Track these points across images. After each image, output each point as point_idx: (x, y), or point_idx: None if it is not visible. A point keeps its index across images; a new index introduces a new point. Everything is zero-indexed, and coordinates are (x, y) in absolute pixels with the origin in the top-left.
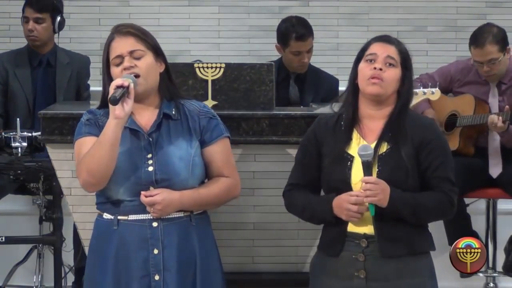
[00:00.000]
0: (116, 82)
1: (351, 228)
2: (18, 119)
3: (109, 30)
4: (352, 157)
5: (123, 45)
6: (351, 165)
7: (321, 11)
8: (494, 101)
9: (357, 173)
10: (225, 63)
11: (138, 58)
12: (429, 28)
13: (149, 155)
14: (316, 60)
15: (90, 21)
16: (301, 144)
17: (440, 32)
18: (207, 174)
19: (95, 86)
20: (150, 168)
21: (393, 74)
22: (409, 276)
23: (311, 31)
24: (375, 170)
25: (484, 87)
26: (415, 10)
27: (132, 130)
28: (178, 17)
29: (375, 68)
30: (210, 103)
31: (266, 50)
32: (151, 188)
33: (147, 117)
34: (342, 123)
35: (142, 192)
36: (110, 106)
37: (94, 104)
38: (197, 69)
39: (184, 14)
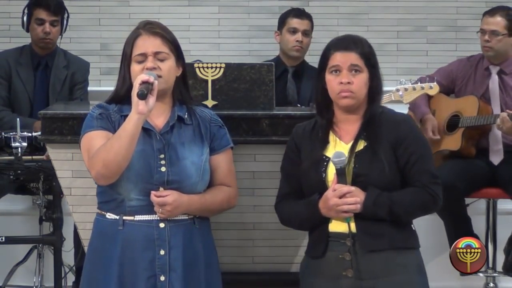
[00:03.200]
0: (142, 77)
1: (333, 227)
2: (18, 119)
3: (109, 30)
4: (328, 158)
5: (149, 44)
6: (326, 166)
7: (321, 11)
8: (494, 88)
9: (332, 173)
10: (225, 63)
11: (161, 60)
12: (429, 28)
13: (162, 156)
14: (316, 60)
15: (90, 21)
16: (284, 154)
17: (440, 32)
18: (210, 181)
19: (95, 86)
20: (163, 169)
21: (361, 81)
22: (396, 273)
23: (310, 17)
24: (351, 168)
25: (485, 77)
26: (415, 10)
27: (144, 129)
28: (178, 17)
29: (342, 83)
30: (210, 103)
31: (266, 50)
32: (161, 188)
33: (159, 118)
34: (319, 128)
35: (153, 192)
36: (134, 100)
37: (94, 104)
38: (197, 69)
39: (184, 14)
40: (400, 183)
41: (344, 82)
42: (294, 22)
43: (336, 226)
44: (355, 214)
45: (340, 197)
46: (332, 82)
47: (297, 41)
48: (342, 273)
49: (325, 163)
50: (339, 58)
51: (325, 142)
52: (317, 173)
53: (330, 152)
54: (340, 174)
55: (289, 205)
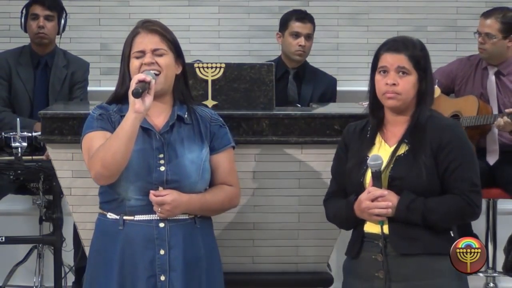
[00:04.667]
0: (138, 76)
1: (368, 228)
2: (18, 119)
3: (109, 30)
4: None
5: (147, 42)
6: (367, 168)
7: (321, 11)
8: (492, 89)
9: (370, 175)
10: (225, 63)
11: (159, 56)
12: (429, 28)
13: (161, 155)
14: (316, 60)
15: (90, 21)
16: (335, 153)
17: (440, 32)
18: (211, 181)
19: (95, 86)
20: (162, 168)
21: (407, 83)
22: (430, 277)
23: (312, 20)
24: (388, 171)
25: (484, 77)
26: (415, 10)
27: (144, 129)
28: (178, 17)
29: (387, 84)
30: (210, 103)
31: (266, 50)
32: (160, 188)
33: (159, 117)
34: (369, 129)
35: (152, 192)
36: (131, 99)
37: (94, 104)
38: (197, 69)
39: (184, 14)
40: (440, 189)
41: (390, 83)
42: (297, 26)
43: (371, 227)
44: (390, 217)
45: (373, 200)
46: (380, 82)
47: (299, 45)
48: (375, 274)
49: (366, 165)
50: (387, 59)
51: (371, 143)
52: (358, 174)
53: (374, 154)
54: (376, 177)
55: (334, 203)
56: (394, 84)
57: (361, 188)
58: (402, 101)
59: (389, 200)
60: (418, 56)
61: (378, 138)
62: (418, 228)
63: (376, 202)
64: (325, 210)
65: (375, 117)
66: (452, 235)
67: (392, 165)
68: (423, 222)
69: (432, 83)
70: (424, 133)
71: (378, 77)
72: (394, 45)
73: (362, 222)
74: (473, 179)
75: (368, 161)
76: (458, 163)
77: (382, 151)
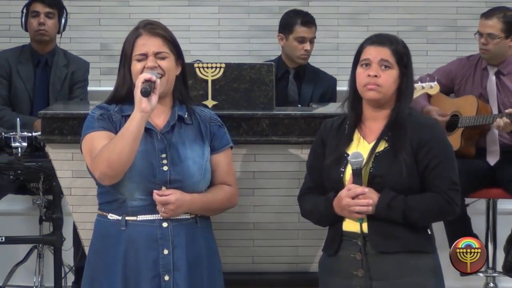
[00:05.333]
0: (144, 76)
1: (347, 227)
2: (18, 118)
3: (109, 30)
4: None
5: (150, 45)
6: (346, 164)
7: (321, 11)
8: (492, 89)
9: (350, 172)
10: (225, 63)
11: (162, 59)
12: (429, 28)
13: (163, 155)
14: (316, 60)
15: (90, 21)
16: (311, 148)
17: (440, 32)
18: (210, 181)
19: (95, 86)
20: (165, 168)
21: (389, 76)
22: (409, 274)
23: (315, 22)
24: (368, 168)
25: (484, 77)
26: (415, 10)
27: (145, 129)
28: (178, 17)
29: (369, 75)
30: (210, 103)
31: (266, 50)
32: (163, 188)
33: (159, 118)
34: (346, 125)
35: (155, 191)
36: (137, 99)
37: (94, 104)
38: (197, 69)
39: (184, 14)
40: (419, 187)
41: (372, 74)
42: (303, 31)
43: (350, 226)
44: (369, 215)
45: (353, 197)
46: (361, 75)
47: (305, 49)
48: (354, 273)
49: (345, 161)
50: (371, 52)
51: (350, 140)
52: (337, 171)
53: (352, 150)
54: (356, 175)
55: (310, 199)
56: (376, 76)
57: (340, 185)
58: (383, 94)
59: (369, 198)
60: (401, 52)
61: (356, 135)
62: (396, 226)
63: (357, 200)
64: (300, 206)
65: (354, 112)
66: (430, 232)
67: (372, 162)
68: (404, 220)
69: (412, 81)
70: (404, 130)
71: (359, 69)
72: (378, 39)
73: (341, 220)
74: (452, 178)
75: (349, 158)
76: (438, 162)
77: (360, 148)
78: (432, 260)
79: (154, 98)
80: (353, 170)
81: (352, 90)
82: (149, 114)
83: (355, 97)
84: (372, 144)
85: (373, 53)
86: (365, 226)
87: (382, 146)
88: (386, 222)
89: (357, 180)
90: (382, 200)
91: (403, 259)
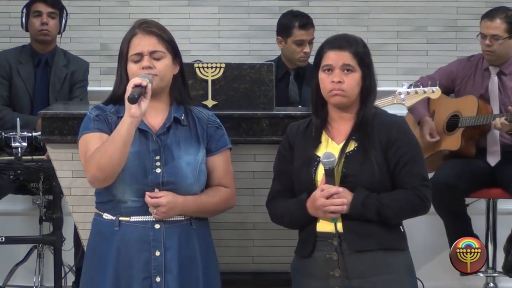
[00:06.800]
0: (135, 81)
1: (321, 227)
2: (18, 119)
3: (109, 30)
4: (319, 158)
5: (144, 44)
6: (317, 166)
7: (321, 11)
8: (493, 89)
9: (322, 173)
10: (225, 63)
11: (157, 59)
12: (429, 28)
13: (157, 157)
14: None
15: (90, 21)
16: (277, 152)
17: (440, 32)
18: (207, 182)
19: (95, 86)
20: (158, 170)
21: (352, 80)
22: (385, 272)
23: (313, 23)
24: (340, 168)
25: (485, 78)
26: (415, 10)
27: (140, 131)
28: (178, 17)
29: (333, 81)
30: (210, 103)
31: (266, 50)
32: (156, 190)
33: (156, 118)
34: (313, 127)
35: (147, 193)
36: (127, 104)
37: (94, 104)
38: (197, 69)
39: (184, 14)
40: (390, 185)
41: (335, 81)
42: (302, 34)
43: (324, 226)
44: (343, 215)
45: (328, 197)
46: (325, 80)
47: (304, 52)
48: (330, 273)
49: (316, 163)
50: (332, 57)
51: (318, 142)
52: (307, 172)
53: (321, 152)
54: (329, 175)
55: (280, 203)
56: (340, 82)
57: (312, 186)
58: (348, 98)
59: (344, 197)
60: (362, 53)
61: (324, 136)
62: (370, 224)
63: (331, 199)
64: (269, 211)
65: (318, 116)
66: (402, 230)
67: (343, 162)
68: (378, 217)
69: (375, 80)
70: (372, 129)
71: (322, 75)
72: (337, 42)
73: (314, 221)
74: (423, 174)
75: (321, 159)
76: (408, 159)
77: (330, 149)
78: (406, 257)
79: (145, 102)
80: (325, 170)
81: (315, 93)
82: (139, 119)
83: (318, 100)
84: (342, 144)
85: (334, 58)
86: (340, 226)
87: (351, 146)
88: (360, 221)
89: (330, 180)
90: (356, 199)
91: (378, 257)
